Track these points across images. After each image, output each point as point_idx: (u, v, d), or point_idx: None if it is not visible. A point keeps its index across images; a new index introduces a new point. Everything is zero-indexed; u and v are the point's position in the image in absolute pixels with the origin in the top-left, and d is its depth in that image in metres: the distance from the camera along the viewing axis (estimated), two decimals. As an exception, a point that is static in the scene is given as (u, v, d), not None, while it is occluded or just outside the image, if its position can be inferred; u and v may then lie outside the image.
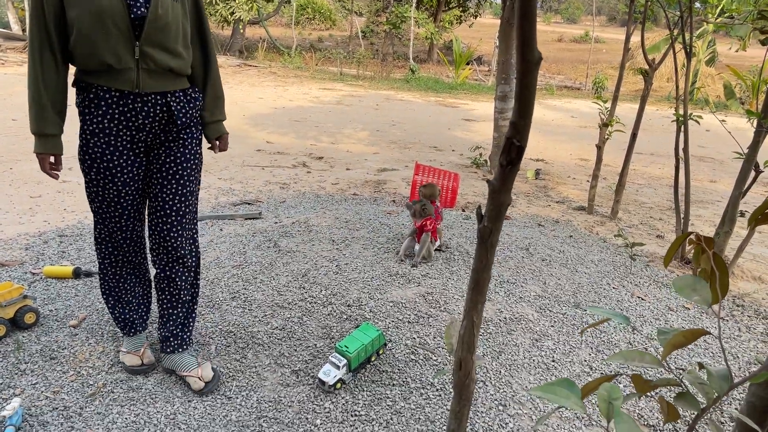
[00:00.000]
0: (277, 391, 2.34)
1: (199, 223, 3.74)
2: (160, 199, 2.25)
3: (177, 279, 2.36)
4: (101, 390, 2.30)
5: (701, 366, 1.11)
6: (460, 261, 3.62)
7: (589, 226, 4.92)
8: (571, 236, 4.51)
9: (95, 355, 2.52)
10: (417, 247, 3.57)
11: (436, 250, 3.69)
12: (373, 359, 2.49)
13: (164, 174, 2.23)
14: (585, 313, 3.11)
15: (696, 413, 1.02)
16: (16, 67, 12.66)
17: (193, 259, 2.41)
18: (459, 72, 17.95)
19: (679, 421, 2.28)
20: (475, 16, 23.59)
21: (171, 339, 2.42)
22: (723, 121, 4.29)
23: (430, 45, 22.70)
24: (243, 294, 3.04)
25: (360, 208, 4.79)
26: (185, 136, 2.25)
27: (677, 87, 4.35)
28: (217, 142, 2.44)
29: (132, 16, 1.96)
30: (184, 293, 2.41)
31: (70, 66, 2.10)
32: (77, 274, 3.24)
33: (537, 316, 3.02)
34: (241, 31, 19.16)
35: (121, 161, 2.13)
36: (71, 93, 2.05)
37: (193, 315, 2.50)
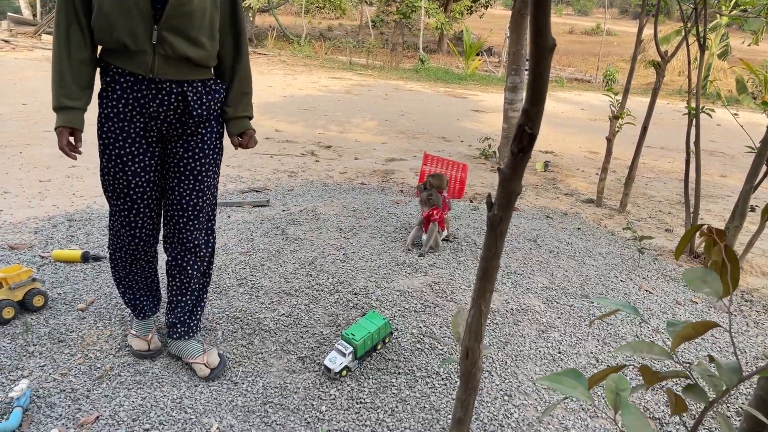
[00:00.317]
0: (283, 377, 2.35)
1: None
2: (176, 193, 2.20)
3: (188, 268, 2.34)
4: (108, 373, 2.31)
5: (711, 358, 1.11)
6: (468, 251, 3.61)
7: (597, 218, 4.90)
8: (579, 229, 4.49)
9: (103, 339, 2.53)
10: (425, 237, 3.56)
11: (443, 240, 3.69)
12: (379, 347, 2.50)
13: (181, 169, 2.17)
14: (592, 305, 3.10)
15: (704, 405, 1.02)
16: (27, 52, 12.70)
17: (207, 250, 2.38)
18: (469, 63, 17.85)
19: (685, 414, 2.28)
20: (486, 7, 23.40)
21: (178, 325, 2.41)
22: (735, 114, 4.25)
23: (440, 35, 22.57)
24: (250, 280, 3.05)
25: (368, 198, 4.78)
26: (203, 131, 2.17)
27: (689, 80, 4.31)
28: (240, 139, 2.30)
29: None
30: (194, 282, 2.39)
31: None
32: (86, 258, 3.26)
33: (544, 307, 3.01)
34: (251, 19, 19.11)
35: (133, 149, 2.06)
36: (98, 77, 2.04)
37: (202, 304, 2.48)
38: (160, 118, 2.07)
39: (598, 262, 3.75)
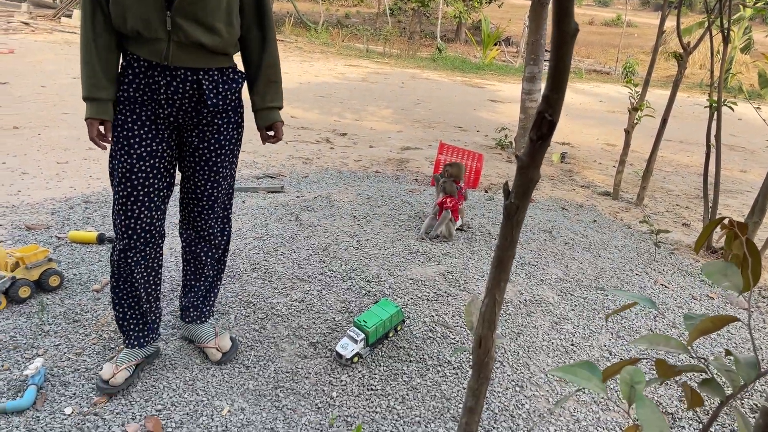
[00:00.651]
0: (294, 362, 2.36)
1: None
2: (192, 183, 2.18)
3: (202, 254, 2.34)
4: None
5: (728, 353, 1.09)
6: (482, 241, 3.60)
7: (613, 211, 4.85)
8: (595, 221, 4.45)
9: (117, 320, 2.55)
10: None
11: (457, 229, 3.67)
12: (390, 335, 2.50)
13: (197, 159, 2.14)
14: (606, 297, 3.07)
15: (720, 400, 1.00)
16: (46, 34, 12.78)
17: (223, 238, 2.36)
18: (486, 52, 17.72)
19: (698, 409, 2.26)
20: (505, -4, 23.18)
21: (191, 309, 2.42)
22: (758, 108, 4.18)
23: (458, 24, 22.40)
24: (263, 265, 3.05)
25: (382, 186, 4.77)
26: (219, 121, 2.11)
27: (712, 72, 4.24)
28: (269, 134, 2.25)
29: None
30: (208, 268, 2.39)
31: None
32: (101, 240, 3.29)
33: (557, 299, 2.99)
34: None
35: (141, 132, 1.98)
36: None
37: (216, 290, 2.48)
38: (175, 105, 2.01)
39: (614, 255, 3.71)
